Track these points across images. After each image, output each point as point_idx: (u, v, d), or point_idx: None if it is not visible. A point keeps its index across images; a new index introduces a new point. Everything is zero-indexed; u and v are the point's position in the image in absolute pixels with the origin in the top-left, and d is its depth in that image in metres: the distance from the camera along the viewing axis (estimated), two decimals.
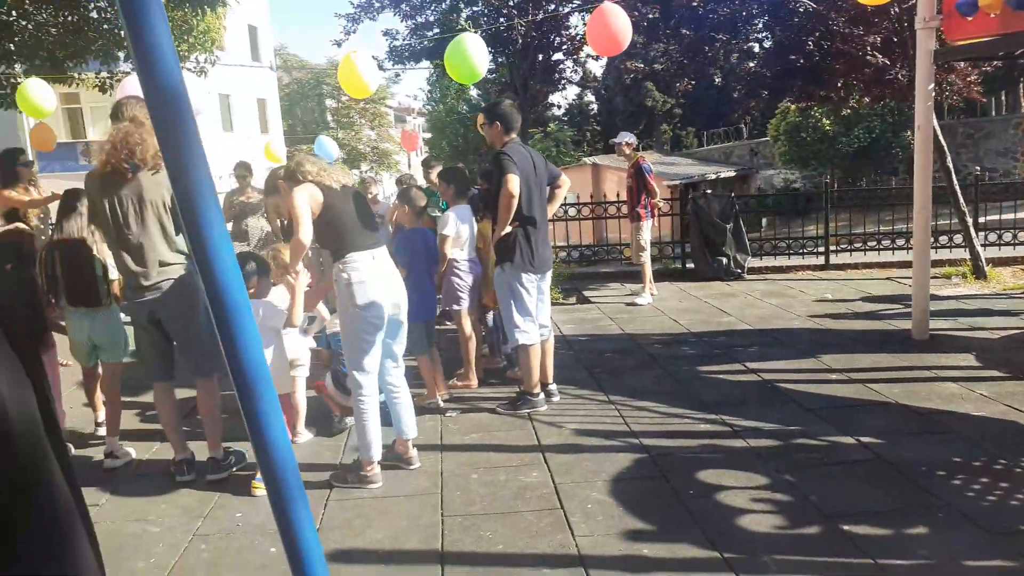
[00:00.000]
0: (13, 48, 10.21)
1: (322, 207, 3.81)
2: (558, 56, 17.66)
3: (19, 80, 9.34)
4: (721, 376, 5.63)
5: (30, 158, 6.46)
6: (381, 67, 20.07)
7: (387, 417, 4.28)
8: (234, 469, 4.18)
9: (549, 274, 5.18)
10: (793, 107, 21.72)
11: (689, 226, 10.00)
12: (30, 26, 10.17)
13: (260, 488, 3.95)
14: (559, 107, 32.37)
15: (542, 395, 5.05)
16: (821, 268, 9.90)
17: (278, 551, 1.87)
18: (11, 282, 4.38)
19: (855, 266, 9.85)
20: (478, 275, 5.65)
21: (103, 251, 4.37)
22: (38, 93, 6.80)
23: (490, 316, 6.11)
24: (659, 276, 9.38)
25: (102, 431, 4.67)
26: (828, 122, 23.71)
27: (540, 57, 16.32)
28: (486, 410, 5.07)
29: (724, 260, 9.56)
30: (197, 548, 3.42)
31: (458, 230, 5.44)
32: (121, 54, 10.55)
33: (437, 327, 6.15)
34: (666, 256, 10.50)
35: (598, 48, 5.52)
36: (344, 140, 40.78)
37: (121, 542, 3.48)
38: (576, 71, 18.88)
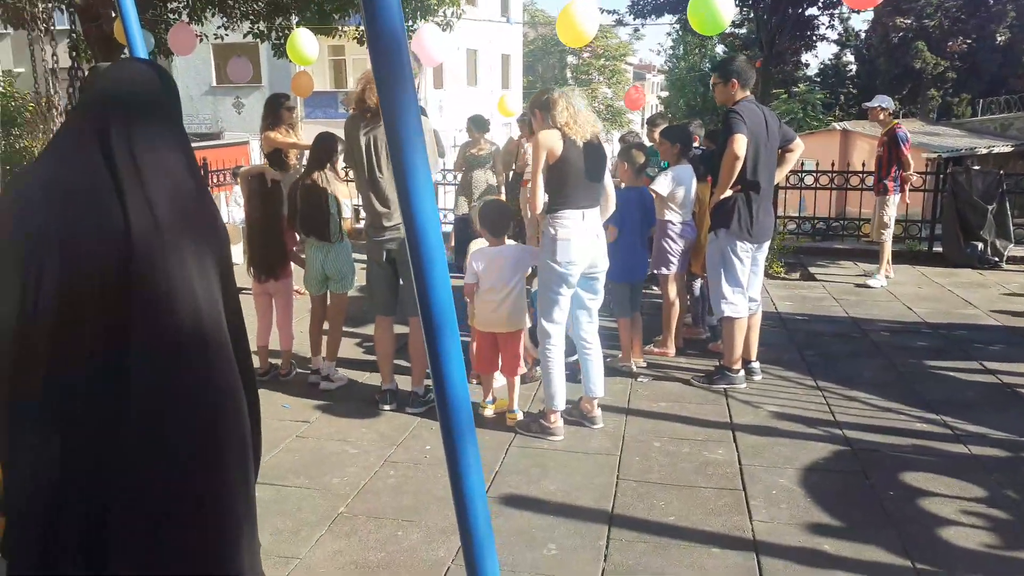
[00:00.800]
0: (289, 2, 11.28)
1: (556, 158, 3.86)
2: (812, 11, 16.31)
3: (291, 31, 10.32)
4: (952, 373, 5.07)
5: (293, 103, 7.09)
6: (621, 22, 19.77)
7: (577, 374, 4.33)
8: (432, 404, 4.44)
9: (767, 245, 4.91)
10: None
11: (944, 204, 8.99)
12: None
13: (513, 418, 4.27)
14: (807, 66, 30.07)
15: (742, 372, 4.84)
16: None
17: None
18: (257, 215, 4.93)
19: None
20: (691, 240, 5.47)
21: (339, 190, 4.77)
22: (305, 42, 7.47)
23: (697, 284, 5.92)
24: (900, 258, 8.54)
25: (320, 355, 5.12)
26: None
27: (791, 11, 15.16)
28: (680, 380, 4.95)
29: (980, 246, 8.50)
30: (386, 473, 3.69)
31: (672, 190, 5.29)
32: None
33: (644, 291, 6.07)
34: (912, 236, 9.50)
35: None
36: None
37: (323, 457, 3.85)
38: (832, 27, 17.35)
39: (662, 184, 5.28)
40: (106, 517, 1.69)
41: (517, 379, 4.39)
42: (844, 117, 30.98)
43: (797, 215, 9.90)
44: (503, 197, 7.45)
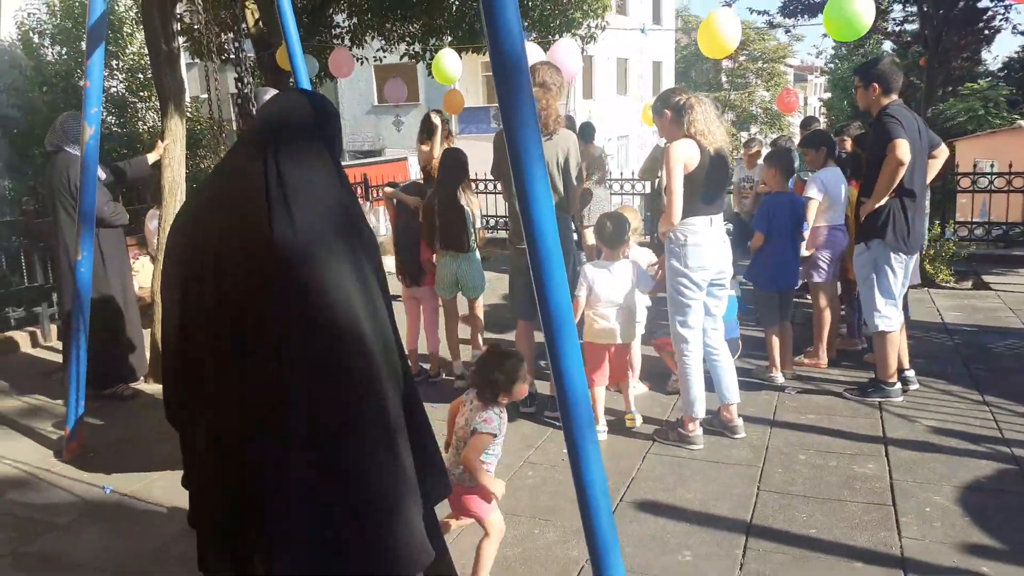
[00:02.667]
0: (442, 23, 11.80)
1: (691, 169, 3.86)
2: (984, 2, 14.96)
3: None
4: None
5: (445, 118, 7.40)
6: (771, 24, 19.08)
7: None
8: None
9: (918, 253, 4.66)
10: None
11: None
12: (456, 3, 11.61)
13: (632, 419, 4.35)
14: (984, 63, 27.61)
15: (898, 385, 4.59)
16: None
17: None
18: (402, 230, 5.28)
19: None
20: (844, 246, 5.25)
21: (472, 203, 4.98)
22: (448, 62, 7.83)
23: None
24: None
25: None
26: None
27: (961, 5, 13.96)
28: (831, 393, 4.76)
29: None
30: (525, 473, 3.81)
31: (824, 195, 5.11)
32: (526, 23, 11.56)
33: (796, 300, 5.86)
34: None
35: None
36: (736, 101, 39.87)
37: None
38: (1007, 19, 15.81)
39: (812, 189, 5.12)
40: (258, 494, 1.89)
41: (632, 384, 4.47)
42: None
43: (969, 220, 9.18)
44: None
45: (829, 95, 37.24)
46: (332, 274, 1.88)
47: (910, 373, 4.73)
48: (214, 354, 1.88)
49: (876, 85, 4.40)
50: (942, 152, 4.63)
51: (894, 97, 4.42)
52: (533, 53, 7.07)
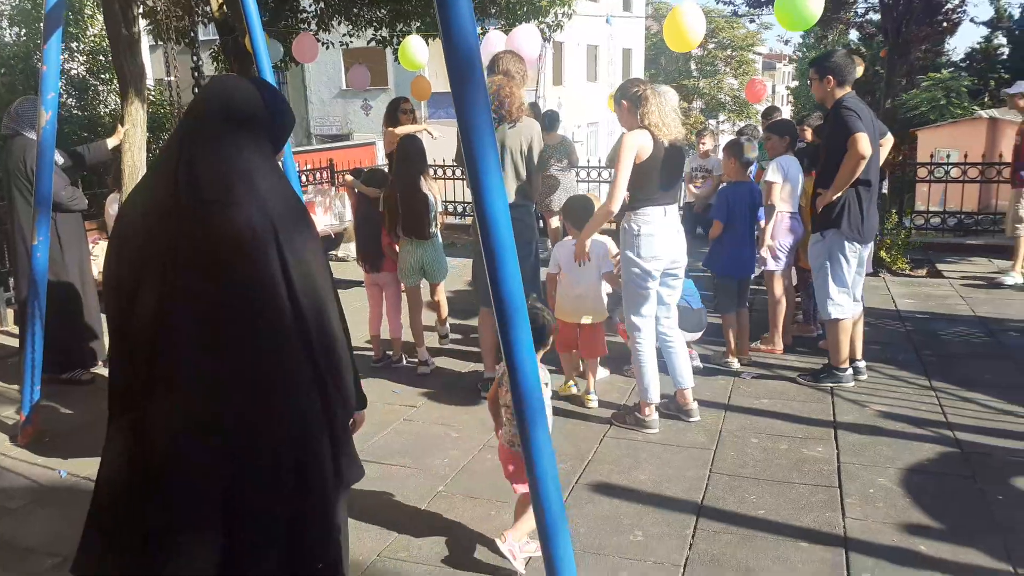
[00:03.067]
0: (409, 8, 11.71)
1: (644, 159, 3.91)
2: None
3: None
4: None
5: (410, 106, 7.39)
6: (736, 13, 19.22)
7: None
8: None
9: (871, 244, 4.77)
10: None
11: None
12: None
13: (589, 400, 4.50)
14: (947, 53, 28.11)
15: (850, 371, 4.72)
16: None
17: None
18: (363, 219, 5.36)
19: None
20: (799, 235, 5.36)
21: (433, 189, 5.01)
22: (415, 49, 7.79)
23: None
24: None
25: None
26: None
27: None
28: (786, 378, 4.88)
29: None
30: (484, 456, 3.87)
31: (784, 179, 5.19)
32: (493, 10, 11.53)
33: (754, 287, 5.97)
34: None
35: None
36: (705, 89, 40.08)
37: (427, 442, 4.06)
38: (963, 11, 15.99)
39: (771, 172, 5.20)
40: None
41: (596, 363, 4.62)
42: (994, 104, 28.81)
43: (926, 210, 9.38)
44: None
45: (797, 83, 37.59)
46: (269, 269, 1.84)
47: (861, 364, 4.85)
48: (168, 341, 1.86)
49: (831, 77, 4.48)
50: (887, 141, 4.76)
51: (848, 89, 4.51)
52: (498, 41, 7.08)
